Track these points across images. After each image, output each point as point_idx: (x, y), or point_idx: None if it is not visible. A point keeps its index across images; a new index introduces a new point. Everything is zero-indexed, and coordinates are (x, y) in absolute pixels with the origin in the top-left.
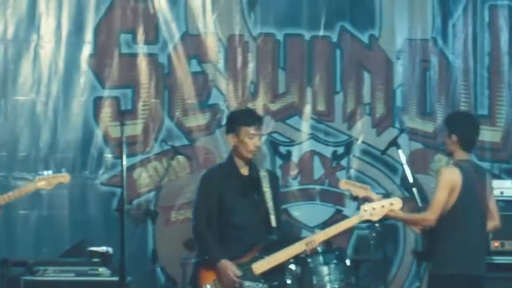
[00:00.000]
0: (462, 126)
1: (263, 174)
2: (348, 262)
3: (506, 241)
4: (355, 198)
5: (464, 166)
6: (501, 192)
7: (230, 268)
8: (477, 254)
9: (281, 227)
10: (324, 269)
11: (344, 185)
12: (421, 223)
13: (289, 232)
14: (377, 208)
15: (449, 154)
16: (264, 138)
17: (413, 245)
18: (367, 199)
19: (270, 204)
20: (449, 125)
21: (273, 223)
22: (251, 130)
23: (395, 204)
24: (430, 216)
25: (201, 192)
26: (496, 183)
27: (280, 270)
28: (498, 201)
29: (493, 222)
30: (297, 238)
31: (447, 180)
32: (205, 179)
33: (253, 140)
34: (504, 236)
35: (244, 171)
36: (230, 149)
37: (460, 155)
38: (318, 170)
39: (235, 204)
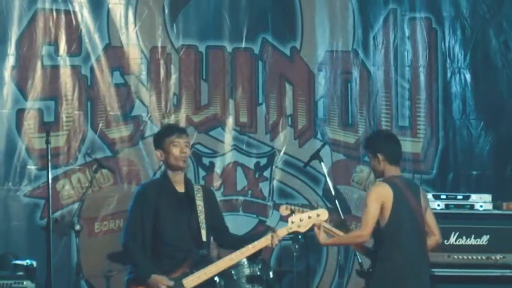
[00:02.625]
0: (384, 143)
1: (196, 188)
2: (271, 274)
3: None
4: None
5: (395, 181)
6: None
7: (161, 281)
8: (416, 270)
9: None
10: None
11: (284, 210)
12: (357, 240)
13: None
14: (304, 220)
15: (380, 176)
16: None
17: (335, 256)
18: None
19: (201, 218)
20: (372, 147)
21: (204, 237)
22: (173, 138)
23: (321, 215)
24: (363, 231)
25: (135, 208)
26: None
27: (208, 283)
28: None
29: (434, 237)
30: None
31: (376, 195)
32: (139, 195)
33: (177, 147)
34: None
35: (180, 187)
36: (154, 161)
37: (391, 171)
38: (241, 181)
39: (168, 221)
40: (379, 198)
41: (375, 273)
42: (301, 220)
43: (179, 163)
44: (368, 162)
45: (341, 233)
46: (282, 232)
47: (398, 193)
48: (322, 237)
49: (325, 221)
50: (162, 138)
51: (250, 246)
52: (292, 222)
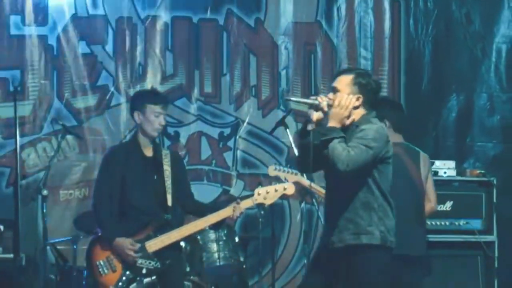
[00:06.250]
0: (392, 110)
1: (164, 153)
2: (237, 239)
3: None
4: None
5: (394, 150)
6: None
7: (126, 245)
8: (414, 234)
9: (191, 203)
10: (214, 246)
11: (272, 171)
12: None
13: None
14: (270, 192)
15: None
16: None
17: (300, 223)
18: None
19: (168, 183)
20: (379, 113)
21: (169, 202)
22: (157, 108)
23: (288, 188)
24: None
25: (103, 171)
26: None
27: (173, 248)
28: None
29: (429, 204)
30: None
31: None
32: (107, 158)
33: (159, 118)
34: None
35: (148, 151)
36: (120, 131)
37: (394, 138)
38: (206, 151)
39: (135, 184)
40: None
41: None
42: (267, 192)
43: (154, 134)
44: None
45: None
46: (246, 203)
47: (395, 159)
48: None
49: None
50: (145, 102)
51: (213, 214)
52: (258, 194)
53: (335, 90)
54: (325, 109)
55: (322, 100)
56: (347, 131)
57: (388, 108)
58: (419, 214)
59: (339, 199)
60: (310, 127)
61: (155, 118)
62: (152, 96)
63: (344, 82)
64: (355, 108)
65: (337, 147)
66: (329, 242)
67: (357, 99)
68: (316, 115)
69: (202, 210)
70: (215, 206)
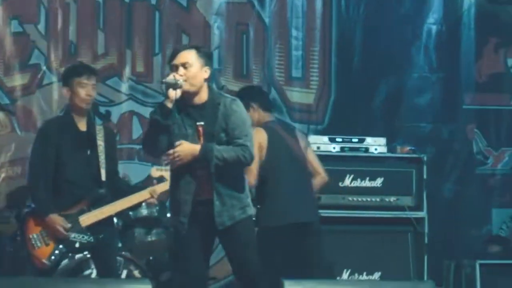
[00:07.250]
0: (256, 93)
1: (98, 128)
2: (168, 215)
3: (322, 195)
4: None
5: (269, 125)
6: (318, 147)
7: (58, 222)
8: (300, 202)
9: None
10: (146, 222)
11: (155, 172)
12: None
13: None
14: None
15: (256, 125)
16: None
17: None
18: None
19: (102, 158)
20: (246, 98)
21: (103, 177)
22: (83, 79)
23: None
24: (248, 177)
25: (37, 145)
26: (313, 138)
27: (106, 223)
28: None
29: (319, 176)
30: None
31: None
32: (41, 132)
33: (85, 89)
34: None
35: (81, 126)
36: (52, 110)
37: (265, 117)
38: (137, 130)
39: (68, 158)
40: (255, 141)
41: (261, 209)
42: None
43: (83, 105)
44: None
45: None
46: (161, 187)
47: (272, 133)
48: None
49: None
50: (71, 76)
51: (131, 196)
52: None
53: (186, 65)
54: (183, 86)
55: (178, 78)
56: (204, 108)
57: (252, 93)
58: (306, 182)
59: (218, 179)
60: (169, 104)
61: (81, 89)
62: (76, 69)
63: (191, 56)
64: (205, 80)
65: (232, 155)
66: (216, 223)
67: (206, 71)
68: (173, 93)
69: (127, 189)
70: (143, 186)
